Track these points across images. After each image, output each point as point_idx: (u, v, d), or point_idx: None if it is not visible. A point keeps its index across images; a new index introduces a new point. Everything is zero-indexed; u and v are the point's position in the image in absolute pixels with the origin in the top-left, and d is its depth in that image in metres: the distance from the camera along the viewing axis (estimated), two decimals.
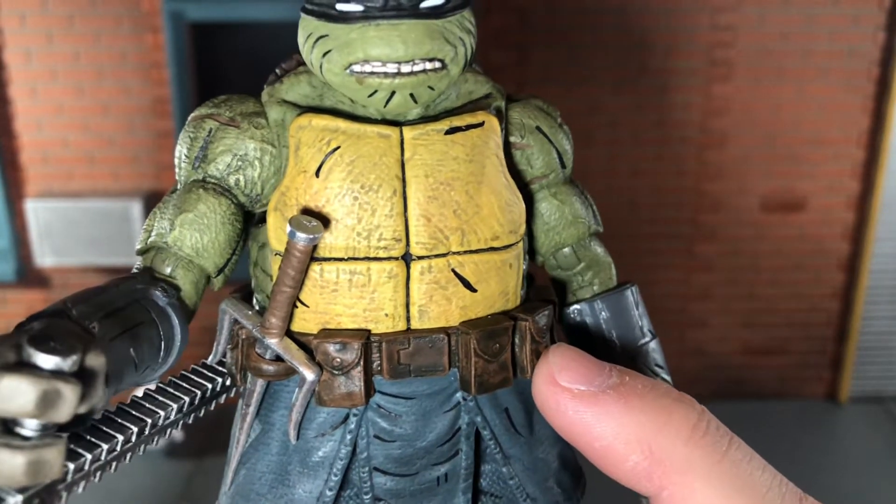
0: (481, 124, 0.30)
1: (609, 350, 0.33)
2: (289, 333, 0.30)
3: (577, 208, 0.34)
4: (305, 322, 0.30)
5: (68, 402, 0.22)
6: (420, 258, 0.30)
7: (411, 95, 0.29)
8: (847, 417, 1.89)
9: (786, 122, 1.72)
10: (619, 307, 0.34)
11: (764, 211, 1.79)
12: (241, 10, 1.48)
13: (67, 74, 1.59)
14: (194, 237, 0.30)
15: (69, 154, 1.61)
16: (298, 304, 0.30)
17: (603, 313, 0.34)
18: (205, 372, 0.32)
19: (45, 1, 1.57)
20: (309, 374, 0.30)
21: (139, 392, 0.30)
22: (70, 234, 1.55)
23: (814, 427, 1.83)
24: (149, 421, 0.29)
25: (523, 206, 0.31)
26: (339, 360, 0.30)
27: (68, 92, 1.59)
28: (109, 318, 0.27)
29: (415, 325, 0.30)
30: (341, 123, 0.30)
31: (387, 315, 0.30)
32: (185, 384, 0.31)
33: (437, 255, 0.30)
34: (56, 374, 0.22)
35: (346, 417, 0.31)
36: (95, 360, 0.24)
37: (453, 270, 0.30)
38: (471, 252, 0.30)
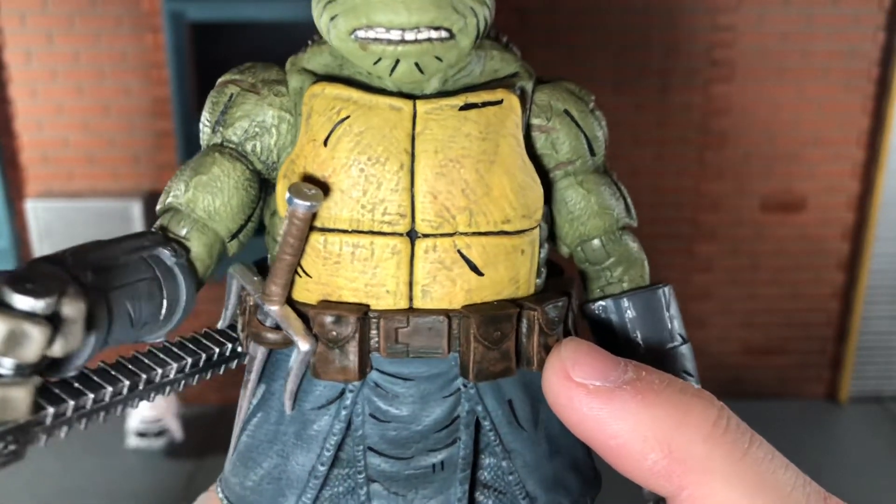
0: (499, 102, 0.29)
1: (633, 351, 0.32)
2: (291, 302, 0.30)
3: (605, 198, 0.32)
4: (308, 292, 0.30)
5: (35, 343, 0.23)
6: (425, 236, 0.29)
7: (417, 66, 0.28)
8: (847, 417, 1.89)
9: (786, 122, 1.72)
10: (647, 307, 0.32)
11: (764, 211, 1.79)
12: (241, 10, 1.48)
13: (67, 74, 1.59)
14: (206, 200, 0.30)
15: (69, 154, 1.61)
16: (301, 273, 0.30)
17: (629, 312, 0.32)
18: (215, 336, 0.32)
19: (45, 1, 1.57)
20: (303, 345, 0.29)
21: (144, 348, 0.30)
22: (70, 234, 1.55)
23: (814, 427, 1.83)
24: (143, 377, 0.29)
25: (541, 191, 0.30)
26: (334, 332, 0.29)
27: (68, 92, 1.59)
28: (107, 270, 0.27)
29: (417, 304, 0.30)
30: (354, 93, 0.29)
31: (388, 292, 0.29)
32: (190, 345, 0.31)
33: (442, 235, 0.29)
34: (27, 314, 0.23)
35: (343, 393, 0.31)
36: (73, 305, 0.24)
37: (459, 251, 0.29)
38: (479, 234, 0.29)
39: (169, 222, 0.30)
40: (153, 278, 0.28)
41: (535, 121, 0.31)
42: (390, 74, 0.28)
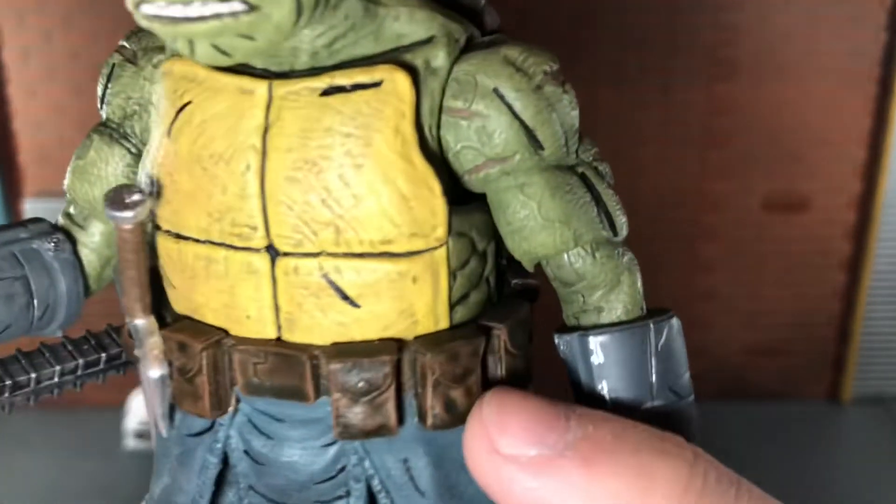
0: (377, 84, 0.23)
1: (598, 408, 0.24)
2: (164, 315, 0.26)
3: (556, 208, 0.24)
4: (179, 305, 0.26)
5: None
6: (285, 255, 0.24)
7: (216, 47, 0.22)
8: (849, 418, 1.88)
9: (788, 121, 1.72)
10: (621, 350, 0.24)
11: (766, 211, 1.78)
12: None
13: (66, 74, 1.59)
14: (84, 188, 0.26)
15: (68, 154, 1.59)
16: (169, 284, 0.25)
17: (595, 356, 0.24)
18: (113, 336, 0.28)
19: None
20: (153, 371, 0.25)
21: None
22: None
23: (815, 428, 1.82)
24: (8, 382, 0.26)
25: (441, 201, 0.23)
26: (179, 361, 0.25)
27: (67, 92, 1.58)
28: None
29: (285, 335, 0.24)
30: (201, 72, 0.23)
31: (249, 317, 0.24)
32: (70, 347, 0.28)
33: (305, 255, 0.23)
34: None
35: (214, 425, 0.26)
36: None
37: (326, 276, 0.23)
38: (351, 255, 0.23)
39: (67, 208, 0.27)
40: (17, 277, 0.26)
41: (450, 102, 0.24)
42: (195, 58, 0.23)
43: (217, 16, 0.21)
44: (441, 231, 0.24)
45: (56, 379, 0.27)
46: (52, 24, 1.58)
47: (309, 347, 0.24)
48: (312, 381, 0.24)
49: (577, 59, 1.73)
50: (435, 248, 0.24)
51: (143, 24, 0.22)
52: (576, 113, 0.24)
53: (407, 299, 0.24)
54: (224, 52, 0.22)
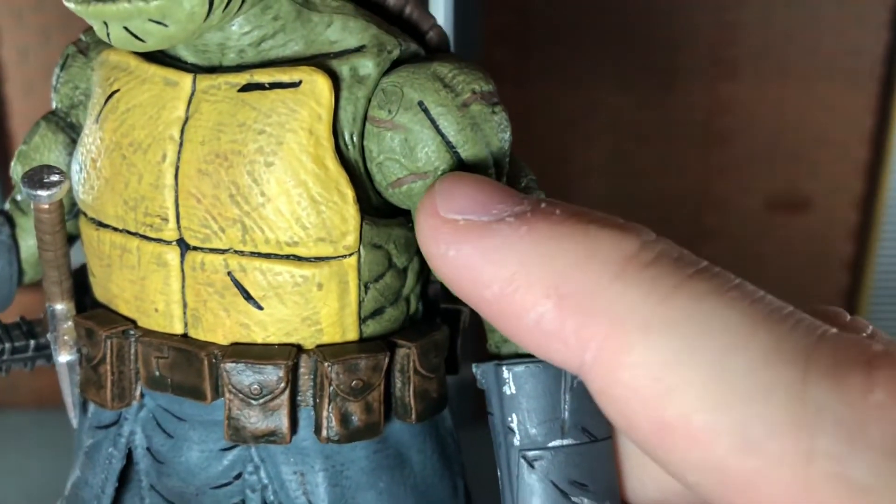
0: (296, 84, 0.22)
1: (499, 445, 0.23)
2: (86, 304, 0.26)
3: None
4: (98, 294, 0.26)
5: None
6: (194, 249, 0.23)
7: (129, 31, 0.21)
8: None
9: (790, 121, 1.71)
10: (533, 383, 0.22)
11: (768, 210, 1.78)
12: None
13: None
14: None
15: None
16: (90, 271, 0.25)
17: (507, 387, 0.22)
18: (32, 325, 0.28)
19: None
20: (61, 356, 0.25)
21: None
22: None
23: None
24: None
25: (354, 210, 0.23)
26: (86, 349, 0.25)
27: None
28: None
29: (190, 332, 0.24)
30: (132, 61, 0.24)
31: (157, 311, 0.24)
32: (16, 330, 0.28)
33: (212, 250, 0.23)
34: None
35: (119, 418, 0.25)
36: None
37: (230, 274, 0.23)
38: (257, 255, 0.23)
39: (14, 194, 0.27)
40: None
41: (375, 112, 0.23)
42: (110, 42, 0.23)
43: None
44: (351, 239, 0.23)
45: None
46: (51, 23, 1.57)
47: (210, 346, 0.24)
48: (210, 380, 0.24)
49: (579, 59, 1.73)
50: (344, 257, 0.23)
51: (65, 3, 0.22)
52: (506, 136, 0.24)
53: (311, 306, 0.23)
54: (137, 37, 0.22)
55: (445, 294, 0.26)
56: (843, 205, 1.82)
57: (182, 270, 0.24)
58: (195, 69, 0.23)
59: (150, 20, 0.21)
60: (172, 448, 0.25)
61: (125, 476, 0.26)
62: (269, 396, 0.23)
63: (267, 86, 0.23)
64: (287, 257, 0.23)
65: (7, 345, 0.27)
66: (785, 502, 0.16)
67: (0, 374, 0.28)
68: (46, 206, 0.23)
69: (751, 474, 0.16)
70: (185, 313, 0.24)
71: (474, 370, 0.24)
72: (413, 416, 0.25)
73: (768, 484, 0.16)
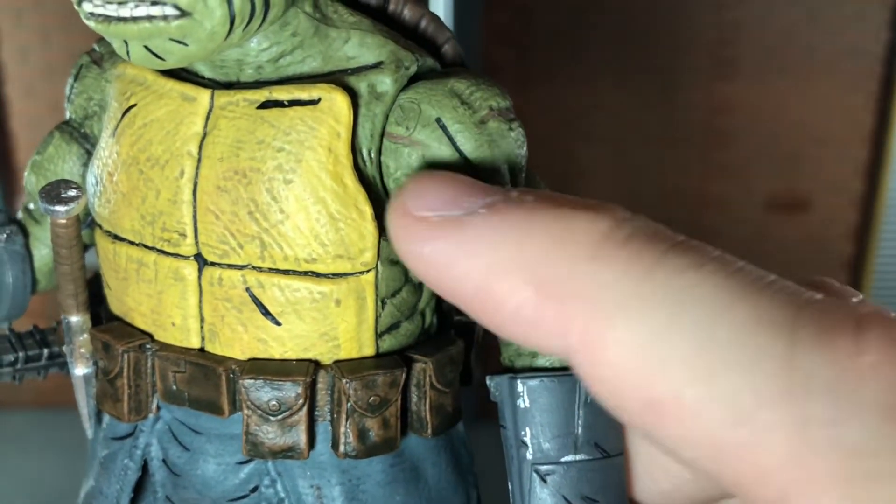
0: (315, 102, 0.22)
1: (511, 458, 0.23)
2: (101, 317, 0.26)
3: None
4: (113, 307, 0.26)
5: None
6: (212, 264, 0.23)
7: (149, 50, 0.22)
8: None
9: (790, 120, 1.71)
10: (547, 397, 0.22)
11: (768, 210, 1.78)
12: None
13: (65, 73, 1.58)
14: (40, 184, 0.26)
15: None
16: (106, 284, 0.26)
17: (521, 401, 0.22)
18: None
19: None
20: (77, 369, 0.25)
21: None
22: None
23: None
24: None
25: (372, 226, 0.23)
26: (103, 362, 0.25)
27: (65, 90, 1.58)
28: None
29: (208, 346, 0.24)
30: (149, 76, 0.24)
31: (174, 325, 0.24)
32: (12, 340, 0.28)
33: (230, 266, 0.23)
34: None
35: (135, 430, 0.26)
36: None
37: (248, 290, 0.23)
38: (276, 272, 0.23)
39: (27, 203, 0.27)
40: None
41: (392, 128, 0.23)
42: (130, 59, 0.23)
43: (149, 18, 0.21)
44: (369, 256, 0.23)
45: None
46: (51, 24, 1.57)
47: (227, 361, 0.24)
48: (228, 395, 0.24)
49: (579, 59, 1.73)
50: (362, 273, 0.23)
51: (85, 21, 0.22)
52: (522, 152, 0.24)
53: (329, 322, 0.23)
54: (157, 56, 0.22)
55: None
56: (842, 205, 1.82)
57: (199, 285, 0.24)
58: (213, 84, 0.23)
59: (171, 39, 0.21)
60: (189, 461, 0.25)
61: (140, 486, 0.26)
62: (287, 413, 0.23)
63: (286, 103, 0.23)
64: (305, 274, 0.23)
65: (21, 353, 0.28)
66: (781, 470, 0.15)
67: (14, 382, 0.28)
68: (64, 221, 0.24)
69: (745, 445, 0.16)
70: (202, 328, 0.24)
71: (488, 382, 0.24)
72: (429, 431, 0.25)
73: (763, 453, 0.15)
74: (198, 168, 0.23)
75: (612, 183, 1.72)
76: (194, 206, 0.23)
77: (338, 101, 0.22)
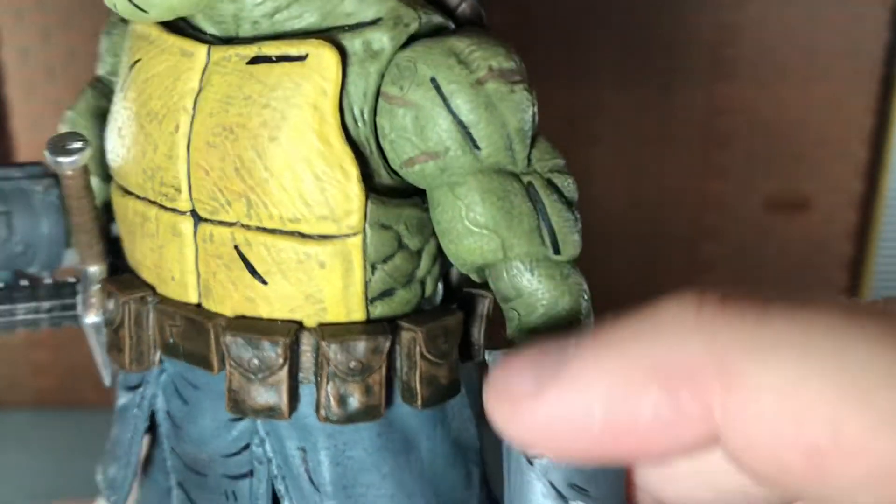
0: (302, 58, 0.23)
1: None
2: (119, 267, 0.26)
3: (483, 213, 0.23)
4: (128, 260, 0.27)
5: None
6: (204, 220, 0.24)
7: (131, 2, 0.22)
8: None
9: (789, 121, 1.71)
10: None
11: (767, 211, 1.78)
12: None
13: (65, 73, 1.58)
14: None
15: None
16: (121, 238, 0.27)
17: None
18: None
19: None
20: (87, 316, 0.27)
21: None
22: None
23: None
24: None
25: (358, 187, 0.23)
26: (109, 311, 0.26)
27: (66, 91, 1.58)
28: None
29: (204, 302, 0.25)
30: (154, 31, 0.24)
31: (173, 279, 0.25)
32: (42, 289, 0.29)
33: (220, 223, 0.24)
34: None
35: (142, 381, 0.27)
36: None
37: (236, 248, 0.24)
38: (262, 230, 0.24)
39: None
40: (5, 212, 0.27)
41: (387, 88, 0.23)
42: (117, 10, 0.23)
43: None
44: (356, 218, 0.24)
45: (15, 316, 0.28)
46: (51, 23, 1.57)
47: (217, 317, 0.25)
48: (216, 351, 0.25)
49: (578, 59, 1.73)
50: (348, 236, 0.24)
51: None
52: (527, 116, 0.24)
53: (314, 284, 0.24)
54: (140, 8, 0.22)
55: (469, 279, 0.27)
56: (842, 205, 1.82)
57: (195, 241, 0.25)
58: (214, 40, 0.24)
59: None
60: (188, 415, 0.26)
61: (155, 435, 0.27)
62: (267, 372, 0.24)
63: (274, 59, 0.23)
64: (291, 234, 0.24)
65: (37, 304, 0.29)
66: None
67: (34, 329, 0.29)
68: (70, 173, 0.24)
69: None
70: (198, 283, 0.25)
71: (486, 358, 0.24)
72: (419, 402, 0.25)
73: None
74: (192, 124, 0.23)
75: (611, 183, 1.72)
76: (188, 162, 0.23)
77: (325, 58, 0.23)
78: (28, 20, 1.64)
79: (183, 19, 0.24)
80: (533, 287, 0.24)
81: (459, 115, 0.23)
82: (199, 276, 0.25)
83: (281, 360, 0.24)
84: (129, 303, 0.25)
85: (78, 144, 0.24)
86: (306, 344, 0.24)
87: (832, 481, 0.16)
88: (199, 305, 0.25)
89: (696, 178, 1.77)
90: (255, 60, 0.23)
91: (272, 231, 0.24)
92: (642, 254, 1.84)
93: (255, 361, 0.24)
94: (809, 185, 1.78)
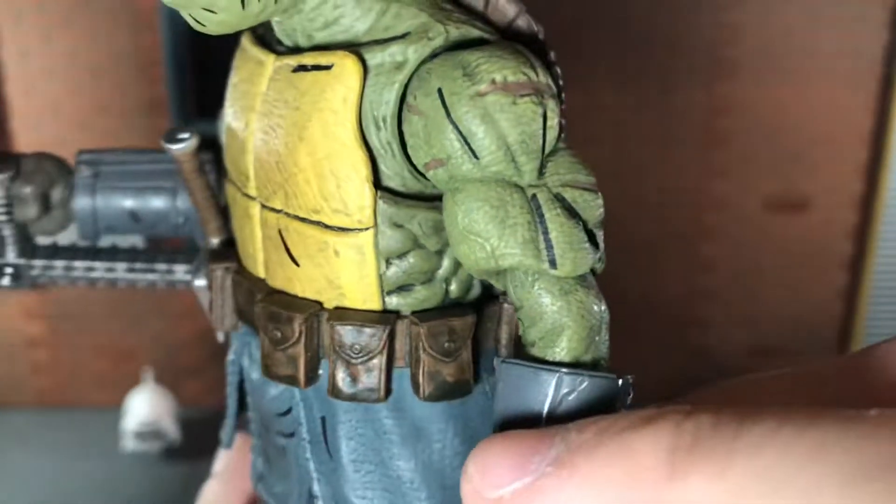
0: (328, 67, 0.24)
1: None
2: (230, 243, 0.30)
3: (476, 220, 0.23)
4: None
5: None
6: (263, 206, 0.27)
7: (193, 18, 0.24)
8: None
9: (789, 120, 1.71)
10: (518, 383, 0.22)
11: (767, 211, 1.78)
12: None
13: (65, 73, 1.58)
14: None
15: (66, 153, 1.60)
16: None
17: (501, 384, 0.23)
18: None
19: None
20: (197, 280, 0.30)
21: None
22: (66, 234, 1.54)
23: None
24: (79, 265, 0.33)
25: (369, 188, 0.24)
26: (211, 279, 0.29)
27: (66, 91, 1.58)
28: (115, 173, 0.33)
29: (267, 278, 0.28)
30: (247, 43, 0.27)
31: (249, 255, 0.28)
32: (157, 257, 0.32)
33: (272, 210, 0.26)
34: None
35: (229, 340, 0.30)
36: (21, 186, 0.32)
37: (279, 232, 0.26)
38: (295, 218, 0.26)
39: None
40: (167, 188, 0.32)
41: (409, 98, 0.24)
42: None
43: None
44: (367, 214, 0.25)
45: (95, 273, 0.33)
46: (51, 24, 1.57)
47: (263, 290, 0.27)
48: (258, 319, 0.27)
49: (578, 60, 1.73)
50: (360, 230, 0.25)
51: None
52: (531, 129, 0.23)
53: (333, 270, 0.26)
54: (199, 22, 0.24)
55: None
56: (842, 205, 1.82)
57: (260, 223, 0.27)
58: (284, 51, 0.26)
59: (203, 8, 0.23)
60: (255, 372, 0.28)
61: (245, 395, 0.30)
62: (287, 344, 0.26)
63: (309, 67, 0.25)
64: (315, 223, 0.25)
65: (161, 265, 0.33)
66: None
67: (151, 287, 0.32)
68: (181, 156, 0.28)
69: None
70: (264, 260, 0.27)
71: (495, 363, 0.24)
72: (422, 394, 0.26)
73: None
74: (255, 122, 0.26)
75: (611, 183, 1.72)
76: (253, 154, 0.26)
77: (348, 68, 0.24)
78: (28, 21, 1.64)
79: (271, 32, 0.27)
80: (532, 300, 0.23)
81: (458, 125, 0.23)
82: (264, 253, 0.27)
83: (297, 335, 0.26)
84: (216, 270, 0.29)
85: (185, 135, 0.28)
86: (325, 323, 0.26)
87: None
88: (263, 280, 0.28)
89: (695, 178, 1.77)
90: (297, 69, 0.25)
91: (302, 220, 0.26)
92: (641, 254, 1.84)
93: (277, 333, 0.26)
94: (809, 185, 1.78)
